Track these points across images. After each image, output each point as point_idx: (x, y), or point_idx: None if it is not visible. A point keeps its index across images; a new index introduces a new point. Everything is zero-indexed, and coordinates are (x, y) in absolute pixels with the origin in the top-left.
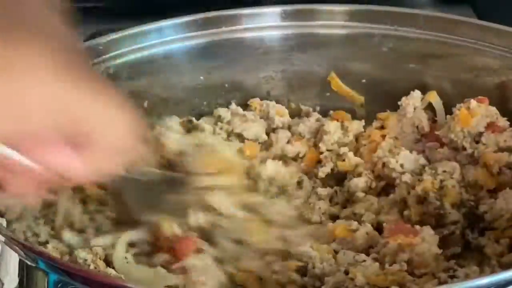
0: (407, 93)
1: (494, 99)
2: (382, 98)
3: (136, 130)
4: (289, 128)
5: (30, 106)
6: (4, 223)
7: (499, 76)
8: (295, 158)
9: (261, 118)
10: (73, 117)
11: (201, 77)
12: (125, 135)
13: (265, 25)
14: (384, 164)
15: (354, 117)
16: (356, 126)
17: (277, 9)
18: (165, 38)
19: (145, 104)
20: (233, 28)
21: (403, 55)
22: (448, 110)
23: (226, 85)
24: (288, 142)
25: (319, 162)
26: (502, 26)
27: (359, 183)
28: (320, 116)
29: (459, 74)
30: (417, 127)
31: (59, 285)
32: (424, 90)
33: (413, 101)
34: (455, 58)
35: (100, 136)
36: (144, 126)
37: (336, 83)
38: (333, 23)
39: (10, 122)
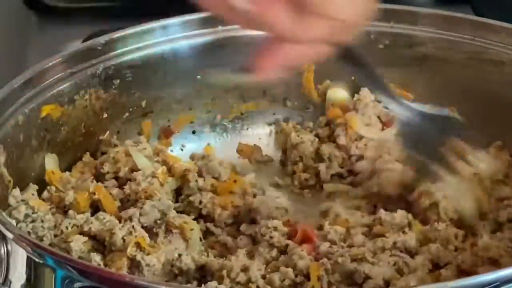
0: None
1: (493, 96)
2: None
3: (363, 11)
4: None
5: None
6: (13, 222)
7: (496, 72)
8: None
9: None
10: None
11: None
12: (350, 12)
13: None
14: None
15: None
16: None
17: None
18: (169, 36)
19: (143, 103)
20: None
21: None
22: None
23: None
24: None
25: None
26: (499, 22)
27: None
28: None
29: (457, 72)
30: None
31: (66, 281)
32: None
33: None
34: (452, 55)
35: (323, 1)
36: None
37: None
38: None
39: None
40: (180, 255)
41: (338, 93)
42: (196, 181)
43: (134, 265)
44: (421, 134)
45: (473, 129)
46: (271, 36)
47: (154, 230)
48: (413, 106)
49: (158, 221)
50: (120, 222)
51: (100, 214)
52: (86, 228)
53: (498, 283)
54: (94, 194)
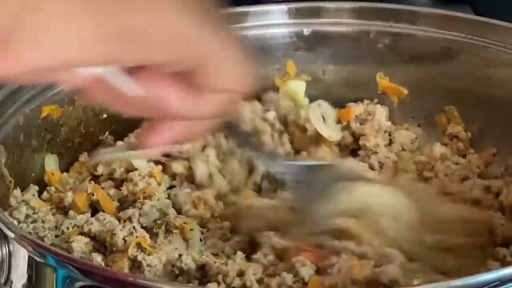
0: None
1: (492, 96)
2: None
3: (251, 82)
4: None
5: (145, 34)
6: (15, 222)
7: (496, 72)
8: None
9: None
10: (194, 52)
11: None
12: (240, 82)
13: (269, 22)
14: None
15: None
16: None
17: (283, 7)
18: None
19: None
20: (238, 26)
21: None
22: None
23: None
24: None
25: None
26: (499, 21)
27: None
28: None
29: (455, 70)
30: None
31: (68, 281)
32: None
33: None
34: (452, 54)
35: (216, 78)
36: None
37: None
38: (340, 20)
39: (131, 50)
40: (180, 255)
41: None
42: None
43: (135, 266)
44: (310, 185)
45: (470, 128)
46: (156, 115)
47: (154, 230)
48: (296, 162)
49: (158, 221)
50: (119, 222)
51: (100, 215)
52: (86, 229)
53: (499, 282)
54: (93, 195)
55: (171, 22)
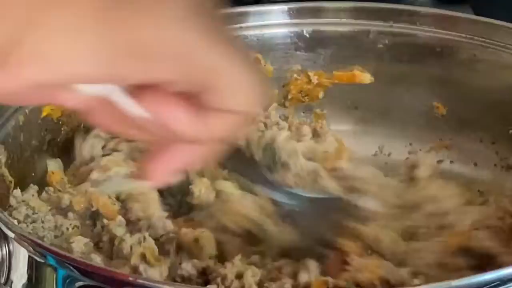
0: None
1: (491, 96)
2: None
3: (262, 100)
4: None
5: (152, 49)
6: (16, 223)
7: (496, 72)
8: None
9: None
10: (199, 67)
11: None
12: (251, 103)
13: (269, 22)
14: None
15: None
16: None
17: (283, 7)
18: None
19: None
20: (238, 26)
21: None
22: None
23: None
24: None
25: None
26: (499, 21)
27: None
28: None
29: (455, 70)
30: None
31: (68, 281)
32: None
33: None
34: (451, 54)
35: (223, 96)
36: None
37: None
38: (340, 20)
39: (138, 66)
40: (180, 263)
41: None
42: None
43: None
44: (308, 217)
45: (466, 128)
46: (162, 138)
47: (165, 247)
48: (297, 192)
49: (171, 235)
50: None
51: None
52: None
53: (499, 282)
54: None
55: (179, 39)
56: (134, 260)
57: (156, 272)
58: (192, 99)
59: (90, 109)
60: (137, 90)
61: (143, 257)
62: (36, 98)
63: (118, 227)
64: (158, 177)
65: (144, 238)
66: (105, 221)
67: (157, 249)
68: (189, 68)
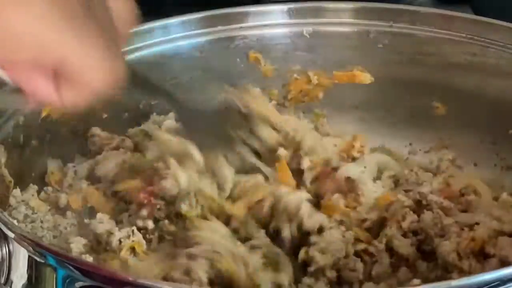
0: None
1: (490, 96)
2: None
3: (116, 77)
4: None
5: (17, 41)
6: (15, 222)
7: (496, 72)
8: None
9: None
10: (54, 53)
11: (203, 75)
12: (98, 79)
13: (269, 22)
14: None
15: None
16: None
17: (283, 7)
18: (169, 36)
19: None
20: (238, 26)
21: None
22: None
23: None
24: None
25: None
26: (499, 21)
27: None
28: None
29: (455, 70)
30: None
31: (68, 281)
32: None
33: None
34: (451, 54)
35: (79, 76)
36: (123, 75)
37: None
38: (340, 20)
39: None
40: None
41: None
42: None
43: (125, 268)
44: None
45: (466, 128)
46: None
47: (147, 236)
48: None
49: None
50: (117, 224)
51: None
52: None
53: (499, 282)
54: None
55: (35, 30)
56: (124, 253)
57: (146, 266)
58: (55, 70)
59: None
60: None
61: (133, 250)
62: None
63: (106, 222)
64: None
65: (133, 231)
66: (97, 216)
67: (145, 243)
68: (42, 52)
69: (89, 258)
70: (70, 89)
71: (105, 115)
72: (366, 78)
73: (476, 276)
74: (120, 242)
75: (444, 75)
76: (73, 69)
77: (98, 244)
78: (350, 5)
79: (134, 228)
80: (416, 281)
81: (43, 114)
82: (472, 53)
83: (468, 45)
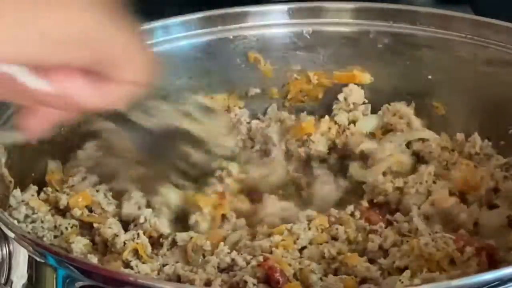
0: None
1: (491, 96)
2: None
3: (152, 73)
4: None
5: (51, 31)
6: (15, 222)
7: (496, 72)
8: None
9: None
10: (100, 50)
11: (203, 75)
12: (141, 75)
13: (269, 22)
14: None
15: None
16: None
17: (283, 7)
18: (169, 36)
19: None
20: (238, 26)
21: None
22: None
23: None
24: None
25: None
26: (499, 21)
27: None
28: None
29: (455, 70)
30: None
31: (68, 281)
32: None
33: None
34: (451, 53)
35: (117, 70)
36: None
37: None
38: (340, 20)
39: (29, 45)
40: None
41: None
42: None
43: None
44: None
45: (466, 128)
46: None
47: (160, 240)
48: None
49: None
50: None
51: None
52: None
53: (499, 282)
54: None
55: (79, 26)
56: (126, 255)
57: (148, 269)
58: (92, 73)
59: None
60: (39, 68)
61: (136, 253)
62: None
63: (113, 225)
64: (33, 131)
65: (138, 235)
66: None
67: (150, 246)
68: (89, 50)
69: (94, 259)
70: (109, 88)
71: None
72: (366, 78)
73: (476, 276)
74: (124, 244)
75: (444, 75)
76: (119, 65)
77: (101, 247)
78: (350, 5)
79: (140, 231)
80: (416, 281)
81: None
82: (472, 53)
83: (468, 45)
